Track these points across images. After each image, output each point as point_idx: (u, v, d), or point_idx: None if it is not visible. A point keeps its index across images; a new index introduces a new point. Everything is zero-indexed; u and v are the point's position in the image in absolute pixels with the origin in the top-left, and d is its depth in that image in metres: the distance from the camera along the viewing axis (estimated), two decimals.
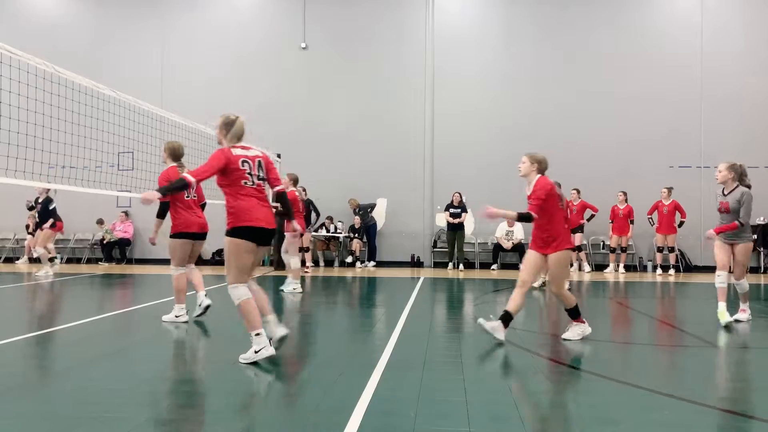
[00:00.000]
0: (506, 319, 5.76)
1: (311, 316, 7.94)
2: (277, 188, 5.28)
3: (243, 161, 4.95)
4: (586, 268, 14.68)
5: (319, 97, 16.60)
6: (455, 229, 14.96)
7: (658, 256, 14.40)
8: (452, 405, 3.81)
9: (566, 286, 6.18)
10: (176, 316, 6.88)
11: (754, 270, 15.39)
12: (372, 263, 15.79)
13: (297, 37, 16.75)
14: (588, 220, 14.61)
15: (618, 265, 14.73)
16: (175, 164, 6.97)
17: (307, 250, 14.06)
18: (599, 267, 15.41)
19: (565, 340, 5.91)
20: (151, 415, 3.63)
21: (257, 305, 4.95)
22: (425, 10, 16.59)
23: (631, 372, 4.86)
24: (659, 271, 14.31)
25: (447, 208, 15.12)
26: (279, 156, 15.05)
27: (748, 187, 6.89)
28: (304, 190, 13.83)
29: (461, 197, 15.07)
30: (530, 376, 4.72)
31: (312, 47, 16.77)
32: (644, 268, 15.58)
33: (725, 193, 6.94)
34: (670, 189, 14.07)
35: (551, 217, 5.78)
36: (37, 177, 6.91)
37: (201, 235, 7.03)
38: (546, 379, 4.70)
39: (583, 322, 5.98)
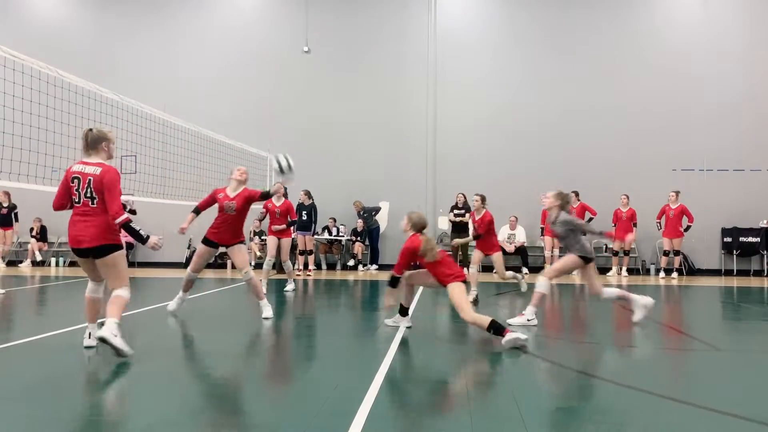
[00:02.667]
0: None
1: (313, 319, 7.94)
2: (116, 220, 5.03)
3: (74, 177, 5.12)
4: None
5: (321, 100, 16.63)
6: (459, 231, 14.95)
7: (663, 260, 14.36)
8: (455, 407, 3.80)
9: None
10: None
11: (757, 273, 15.36)
12: (374, 266, 15.79)
13: (299, 41, 16.78)
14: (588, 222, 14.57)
15: (621, 268, 14.70)
16: None
17: (310, 253, 14.09)
18: (602, 270, 15.38)
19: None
20: (155, 418, 3.63)
21: (95, 308, 5.41)
22: (428, 14, 16.62)
23: (637, 376, 4.84)
24: (662, 274, 14.28)
25: (451, 210, 15.10)
26: None
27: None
28: (308, 194, 13.85)
29: (465, 198, 15.06)
30: (534, 380, 4.71)
31: (314, 51, 16.80)
32: (647, 271, 15.55)
33: (551, 220, 7.09)
34: (677, 192, 14.01)
35: None
36: (40, 181, 6.93)
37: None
38: (550, 383, 4.69)
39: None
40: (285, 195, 10.89)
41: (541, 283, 6.87)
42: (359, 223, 15.93)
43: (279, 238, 10.44)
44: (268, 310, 7.32)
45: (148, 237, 5.19)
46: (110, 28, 17.38)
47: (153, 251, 5.65)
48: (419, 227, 6.46)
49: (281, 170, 7.23)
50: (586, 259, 6.82)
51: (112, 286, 5.23)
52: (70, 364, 5.01)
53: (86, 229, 5.08)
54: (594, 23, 16.17)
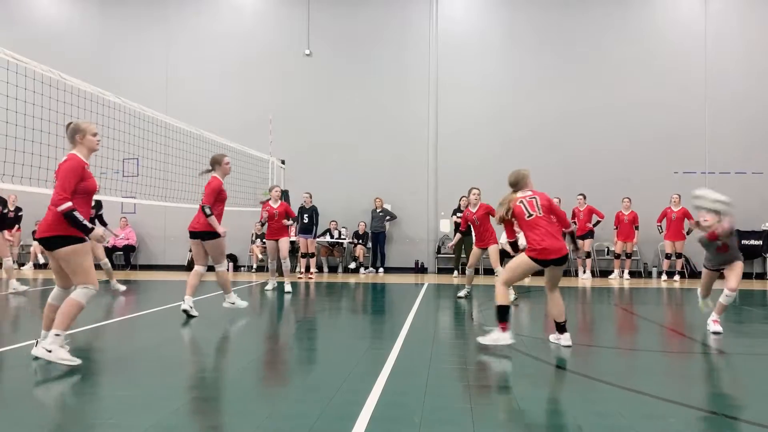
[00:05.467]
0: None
1: (314, 321, 7.94)
2: (58, 208, 4.80)
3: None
4: (585, 274, 14.46)
5: (322, 104, 16.65)
6: (463, 234, 14.93)
7: (665, 263, 14.33)
8: (456, 411, 3.79)
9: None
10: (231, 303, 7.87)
11: (760, 276, 15.33)
12: (381, 270, 15.75)
13: (301, 44, 16.81)
14: (594, 225, 14.56)
15: (623, 271, 14.68)
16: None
17: (312, 256, 14.09)
18: (604, 273, 15.37)
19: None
20: (154, 421, 3.63)
21: (50, 315, 5.08)
22: (429, 17, 16.64)
23: (636, 378, 4.83)
24: (664, 277, 14.25)
25: (454, 213, 15.10)
26: (283, 162, 15.10)
27: None
28: (310, 196, 13.87)
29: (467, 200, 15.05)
30: (535, 382, 4.70)
31: (316, 54, 16.83)
32: (649, 274, 15.54)
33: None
34: (679, 196, 13.93)
35: None
36: (42, 183, 6.94)
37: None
38: (551, 385, 4.69)
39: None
40: (284, 198, 11.13)
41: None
42: (361, 226, 15.93)
43: (276, 240, 10.73)
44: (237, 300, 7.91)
45: (92, 229, 4.87)
46: (111, 31, 17.41)
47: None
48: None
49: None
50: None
51: (74, 282, 4.96)
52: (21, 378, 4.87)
53: (44, 219, 4.90)
54: (594, 25, 16.17)
